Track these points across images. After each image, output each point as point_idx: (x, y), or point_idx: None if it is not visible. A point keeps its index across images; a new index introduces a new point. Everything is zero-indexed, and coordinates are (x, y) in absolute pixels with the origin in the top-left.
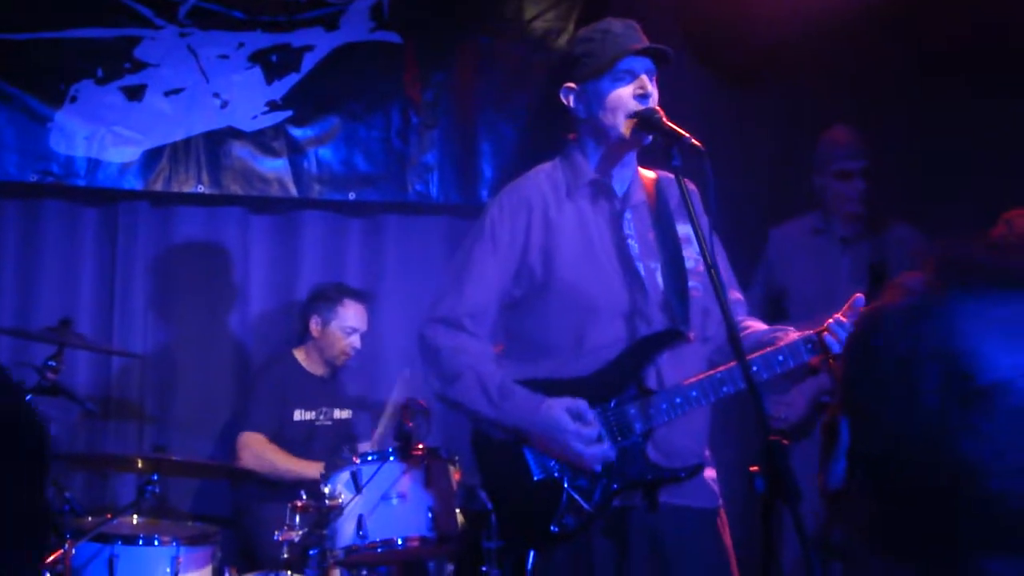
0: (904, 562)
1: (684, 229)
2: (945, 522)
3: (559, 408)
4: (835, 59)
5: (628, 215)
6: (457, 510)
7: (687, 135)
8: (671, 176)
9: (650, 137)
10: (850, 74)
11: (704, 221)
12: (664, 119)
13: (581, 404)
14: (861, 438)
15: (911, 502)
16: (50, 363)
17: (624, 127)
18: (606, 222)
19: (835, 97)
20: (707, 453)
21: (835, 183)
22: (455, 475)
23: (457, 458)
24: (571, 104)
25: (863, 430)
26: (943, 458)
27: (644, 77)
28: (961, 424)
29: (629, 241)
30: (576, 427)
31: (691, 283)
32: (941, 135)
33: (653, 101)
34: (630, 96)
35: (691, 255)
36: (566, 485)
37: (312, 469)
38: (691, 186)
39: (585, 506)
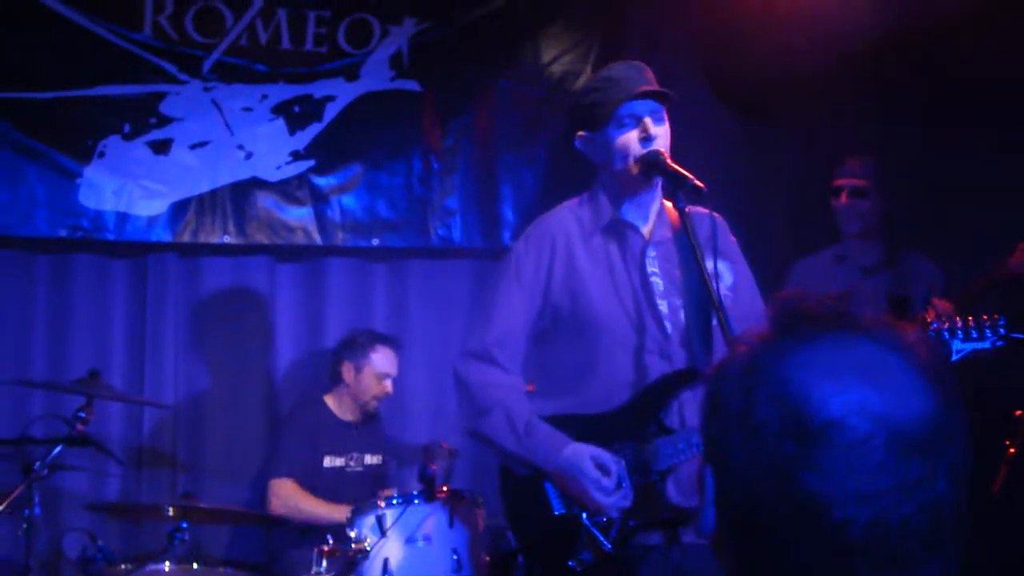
0: None
1: (720, 265)
2: (797, 554)
3: (585, 455)
4: (850, 87)
5: (651, 252)
6: (483, 552)
7: (690, 176)
8: (702, 211)
9: (661, 177)
10: (865, 103)
11: (735, 253)
12: (667, 161)
13: (605, 456)
14: (720, 485)
15: (766, 539)
16: (80, 414)
17: (633, 170)
18: (629, 260)
19: (850, 126)
20: None
21: (833, 201)
22: (479, 517)
23: (481, 500)
24: (585, 151)
25: (720, 477)
26: (789, 493)
27: (648, 120)
28: (802, 462)
29: (652, 279)
30: (596, 475)
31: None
32: (957, 162)
33: (660, 143)
34: (635, 140)
35: (720, 290)
36: (585, 521)
37: (341, 512)
38: (720, 219)
39: (603, 543)
